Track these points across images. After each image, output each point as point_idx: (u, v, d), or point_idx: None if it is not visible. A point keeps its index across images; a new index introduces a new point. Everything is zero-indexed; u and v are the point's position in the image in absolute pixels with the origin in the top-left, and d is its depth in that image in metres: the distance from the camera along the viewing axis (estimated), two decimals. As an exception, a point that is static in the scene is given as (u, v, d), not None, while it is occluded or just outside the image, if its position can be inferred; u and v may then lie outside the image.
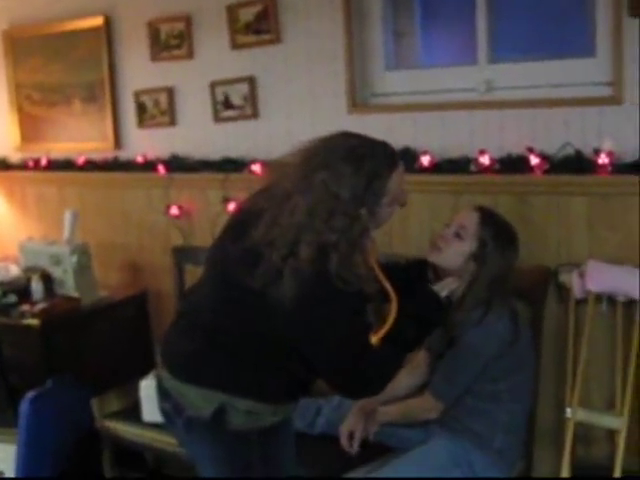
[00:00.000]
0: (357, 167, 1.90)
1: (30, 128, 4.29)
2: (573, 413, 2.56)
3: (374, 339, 1.97)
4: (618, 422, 2.50)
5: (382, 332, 2.00)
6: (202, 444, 2.08)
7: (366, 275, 1.91)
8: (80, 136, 4.09)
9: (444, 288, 2.27)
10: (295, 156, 1.98)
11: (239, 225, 2.04)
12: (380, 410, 2.57)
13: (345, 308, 1.90)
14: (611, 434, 2.62)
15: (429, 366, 2.63)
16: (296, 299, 1.83)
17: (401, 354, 2.12)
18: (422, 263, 2.44)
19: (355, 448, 2.54)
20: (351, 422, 2.57)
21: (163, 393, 2.12)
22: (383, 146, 2.00)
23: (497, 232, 2.42)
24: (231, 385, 1.99)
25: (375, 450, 2.60)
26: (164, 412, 2.14)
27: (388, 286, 2.07)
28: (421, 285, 2.34)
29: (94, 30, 3.89)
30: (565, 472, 2.50)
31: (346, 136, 2.01)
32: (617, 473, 2.42)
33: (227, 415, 1.99)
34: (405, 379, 2.69)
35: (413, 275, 2.41)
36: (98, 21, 3.86)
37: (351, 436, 2.55)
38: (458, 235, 2.42)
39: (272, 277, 1.86)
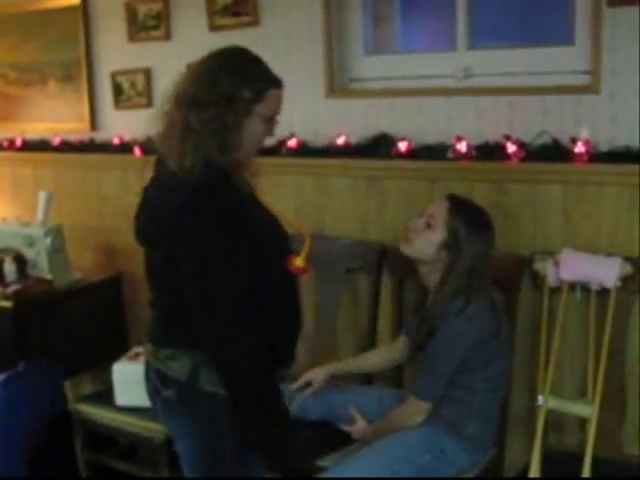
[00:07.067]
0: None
1: (5, 108, 4.23)
2: (544, 401, 2.57)
3: (299, 261, 2.03)
4: (589, 410, 2.51)
5: (303, 254, 2.05)
6: (178, 407, 2.09)
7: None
8: (56, 116, 4.04)
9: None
10: None
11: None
12: (368, 430, 2.58)
13: (229, 241, 1.94)
14: (582, 422, 2.64)
15: (409, 351, 2.65)
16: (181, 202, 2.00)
17: (262, 377, 2.00)
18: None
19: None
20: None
21: (146, 373, 2.18)
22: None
23: (468, 220, 2.41)
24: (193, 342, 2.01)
25: (347, 437, 2.62)
26: (148, 386, 2.18)
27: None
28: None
29: (71, 9, 3.83)
30: (536, 459, 2.51)
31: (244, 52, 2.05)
32: (587, 460, 2.44)
33: (199, 375, 2.02)
34: (382, 355, 2.77)
35: None
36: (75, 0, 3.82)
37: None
38: (428, 225, 2.42)
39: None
